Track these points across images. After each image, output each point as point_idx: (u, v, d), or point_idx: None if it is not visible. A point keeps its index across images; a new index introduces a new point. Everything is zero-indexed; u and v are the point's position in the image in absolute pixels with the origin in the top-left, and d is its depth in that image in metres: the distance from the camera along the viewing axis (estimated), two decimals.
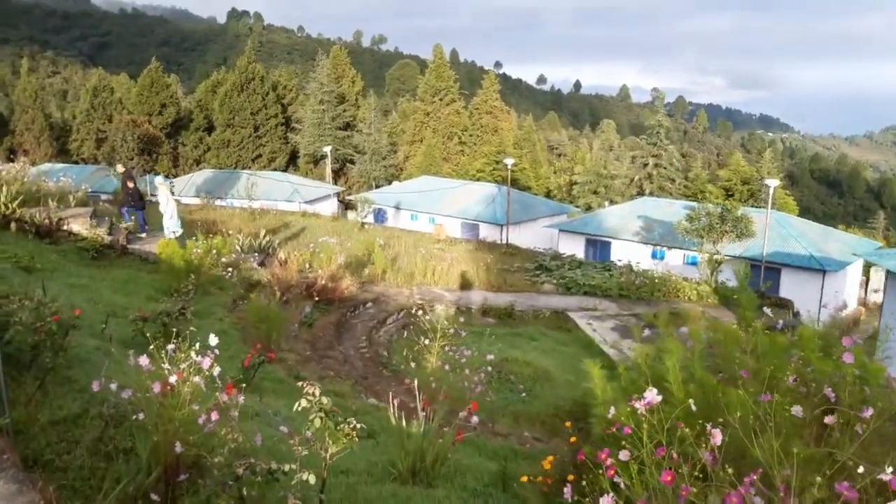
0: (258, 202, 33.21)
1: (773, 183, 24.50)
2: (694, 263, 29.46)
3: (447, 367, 9.63)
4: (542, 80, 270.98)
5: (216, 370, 4.55)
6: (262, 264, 19.45)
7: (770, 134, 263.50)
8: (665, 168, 49.26)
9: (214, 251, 15.67)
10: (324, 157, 60.79)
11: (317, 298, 17.14)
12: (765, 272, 26.41)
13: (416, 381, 7.25)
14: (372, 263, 22.82)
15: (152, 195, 25.90)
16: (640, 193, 49.29)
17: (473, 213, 39.10)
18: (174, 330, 9.73)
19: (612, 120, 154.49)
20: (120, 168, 20.37)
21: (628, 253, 30.44)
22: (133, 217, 17.79)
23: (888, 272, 15.40)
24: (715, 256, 24.25)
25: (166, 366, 4.41)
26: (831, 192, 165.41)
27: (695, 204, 34.16)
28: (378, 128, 61.00)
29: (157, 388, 4.40)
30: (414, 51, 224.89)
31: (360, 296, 19.54)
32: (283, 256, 19.96)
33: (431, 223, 39.38)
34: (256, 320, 12.45)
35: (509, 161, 33.74)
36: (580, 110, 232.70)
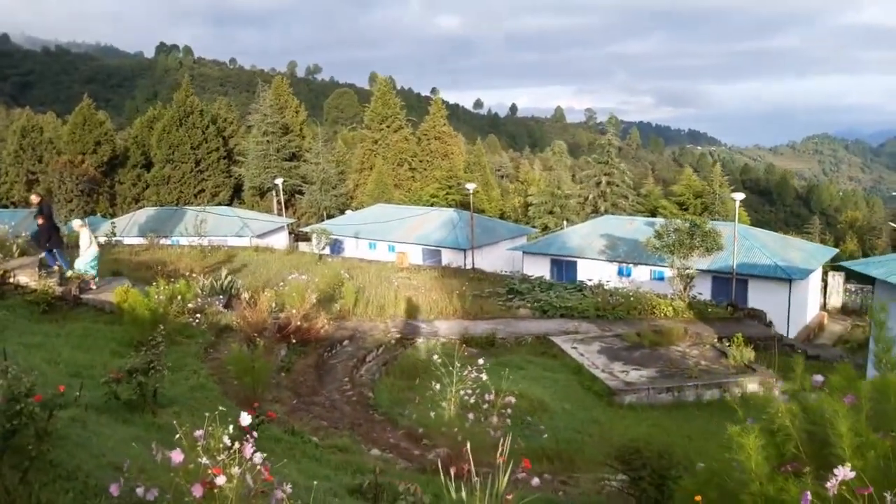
0: (207, 239, 31.63)
1: (739, 196, 24.73)
2: (661, 279, 29.45)
3: (470, 415, 8.72)
4: (478, 104, 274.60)
5: (258, 457, 3.67)
6: (227, 306, 18.19)
7: (699, 148, 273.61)
8: (618, 185, 49.85)
9: (179, 296, 14.40)
10: (270, 189, 59.12)
11: (294, 340, 16.00)
12: (732, 284, 26.55)
13: (465, 441, 6.34)
14: (341, 298, 21.74)
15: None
16: (595, 212, 49.72)
17: (434, 238, 38.41)
18: (154, 389, 8.62)
19: (546, 140, 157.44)
20: (34, 199, 17.10)
21: (594, 271, 30.22)
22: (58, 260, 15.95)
23: (876, 280, 15.37)
24: (687, 271, 24.17)
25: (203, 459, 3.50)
26: (762, 200, 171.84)
27: (655, 220, 34.40)
28: (325, 157, 59.85)
29: (197, 491, 3.43)
30: (349, 80, 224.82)
31: (335, 334, 18.45)
32: (247, 297, 18.68)
33: (391, 251, 38.46)
34: (239, 371, 11.30)
35: (470, 186, 33.28)
36: (518, 132, 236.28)
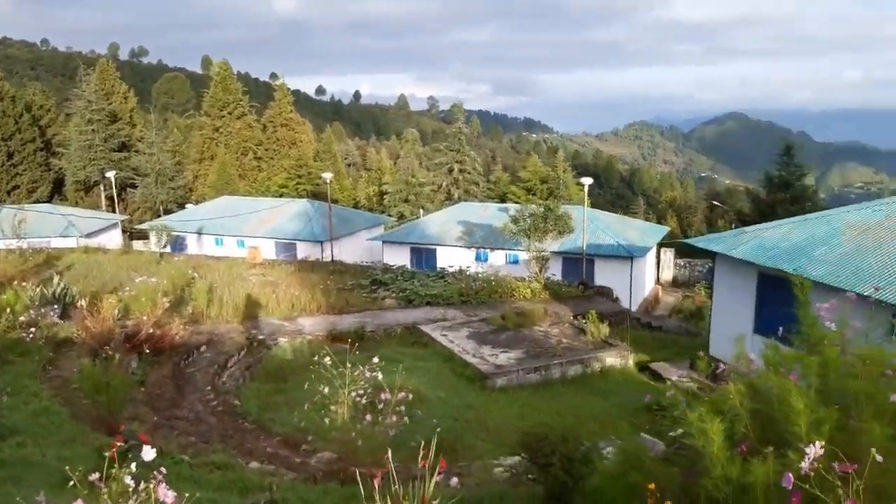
0: (26, 241, 28.19)
1: (588, 181, 26.19)
2: (516, 262, 30.53)
3: (367, 416, 8.33)
4: (321, 90, 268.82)
5: (170, 496, 3.30)
6: (63, 316, 16.22)
7: (534, 135, 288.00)
8: (469, 173, 50.99)
9: (8, 309, 12.57)
10: (97, 183, 53.86)
11: (146, 350, 14.57)
12: (581, 264, 28.11)
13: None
14: (192, 300, 20.25)
15: None
16: (449, 199, 50.56)
17: (288, 231, 36.96)
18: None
19: (391, 127, 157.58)
20: None
21: (454, 258, 30.69)
22: None
23: (717, 254, 16.86)
24: (542, 254, 25.18)
25: None
26: (593, 184, 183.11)
27: (508, 205, 35.56)
28: (160, 147, 55.44)
29: None
30: (179, 63, 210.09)
31: (190, 340, 17.09)
32: (86, 304, 16.79)
33: (241, 247, 36.52)
34: (91, 390, 10.05)
35: (327, 175, 32.34)
36: (363, 120, 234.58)
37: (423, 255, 32.53)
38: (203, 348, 17.19)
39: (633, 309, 27.74)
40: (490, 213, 33.29)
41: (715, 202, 55.24)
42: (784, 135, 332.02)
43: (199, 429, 12.24)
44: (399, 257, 32.16)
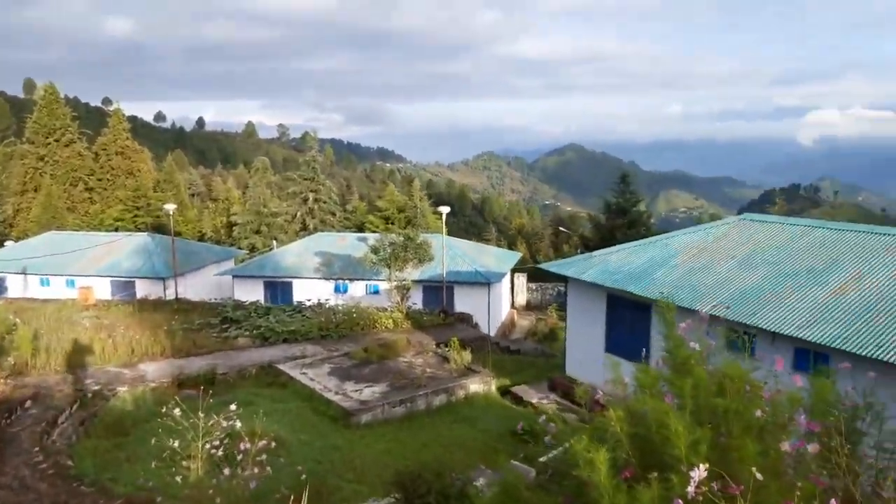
0: None
1: (445, 210, 26.56)
2: (377, 292, 30.23)
3: (227, 469, 7.62)
4: (160, 117, 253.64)
5: None
6: None
7: (388, 165, 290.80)
8: (325, 202, 49.92)
9: None
10: None
11: None
12: (442, 291, 28.39)
13: None
14: (14, 349, 17.97)
15: None
16: (304, 229, 49.19)
17: (125, 268, 34.02)
18: None
19: (239, 155, 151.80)
20: None
21: (312, 291, 29.80)
22: None
23: (569, 279, 17.64)
24: (403, 283, 25.13)
25: None
26: (448, 212, 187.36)
27: (367, 235, 35.25)
28: None
29: None
30: None
31: (13, 395, 15.08)
32: None
33: (70, 287, 33.12)
34: None
35: (170, 206, 30.23)
36: (207, 148, 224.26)
37: (279, 289, 31.28)
38: (28, 404, 15.22)
39: (492, 333, 28.39)
40: (348, 243, 32.78)
41: (561, 228, 58.45)
42: (617, 164, 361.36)
43: (25, 498, 10.76)
44: (252, 292, 30.69)
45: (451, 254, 30.19)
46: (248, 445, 7.59)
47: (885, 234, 13.67)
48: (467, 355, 19.39)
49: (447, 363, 19.61)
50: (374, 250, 25.34)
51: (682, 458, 3.45)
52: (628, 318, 16.11)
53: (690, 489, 3.05)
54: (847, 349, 11.05)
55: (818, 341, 11.50)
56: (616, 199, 37.22)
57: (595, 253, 17.74)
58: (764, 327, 12.32)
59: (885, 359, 10.41)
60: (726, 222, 16.91)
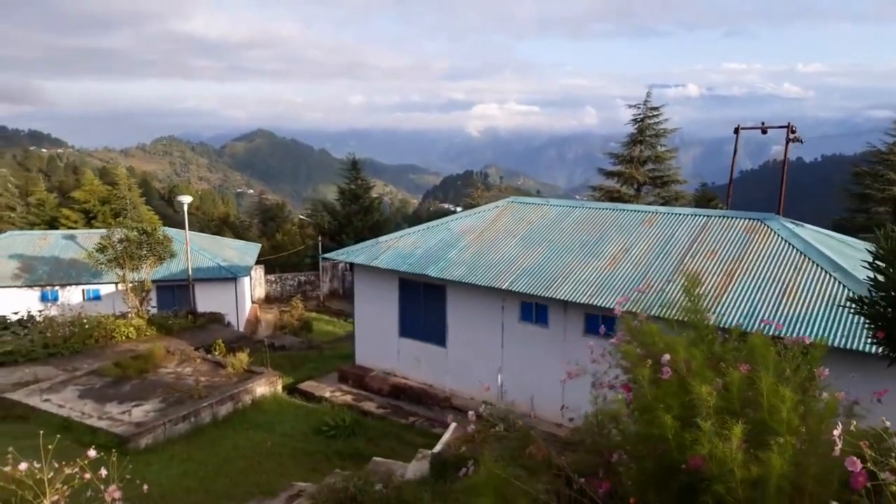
0: None
1: (187, 199, 23.73)
2: (97, 297, 26.16)
3: None
4: None
5: None
6: None
7: (44, 150, 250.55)
8: (1, 195, 40.28)
9: None
10: None
11: None
12: (188, 291, 25.68)
13: None
14: None
15: None
16: None
17: None
18: None
19: None
20: None
21: (11, 302, 24.52)
22: None
23: (355, 266, 17.36)
24: (142, 284, 22.16)
25: None
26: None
27: (75, 232, 30.02)
28: None
29: None
30: None
31: None
32: None
33: None
34: None
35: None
36: None
37: None
38: None
39: (241, 330, 26.64)
40: (52, 243, 27.42)
41: (302, 217, 56.75)
42: (308, 152, 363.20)
43: None
44: None
45: (195, 249, 27.41)
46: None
47: (633, 211, 16.21)
48: (244, 357, 17.95)
49: (221, 368, 17.92)
50: (102, 248, 21.82)
51: (789, 423, 3.59)
52: (422, 301, 16.53)
53: (837, 449, 3.17)
54: (631, 310, 12.87)
55: (609, 306, 13.18)
56: (348, 185, 37.42)
57: (381, 239, 17.75)
58: (562, 298, 13.70)
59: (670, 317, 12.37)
60: (496, 206, 18.29)
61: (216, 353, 19.08)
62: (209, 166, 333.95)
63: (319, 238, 35.71)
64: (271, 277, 35.61)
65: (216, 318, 23.89)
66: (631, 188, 38.23)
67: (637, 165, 37.73)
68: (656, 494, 3.51)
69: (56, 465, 5.31)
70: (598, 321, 13.94)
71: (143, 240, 21.94)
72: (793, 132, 29.53)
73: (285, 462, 13.97)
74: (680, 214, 15.35)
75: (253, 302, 34.08)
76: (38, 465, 4.97)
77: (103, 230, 25.45)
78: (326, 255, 18.29)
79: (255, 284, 35.07)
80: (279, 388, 17.66)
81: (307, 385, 18.18)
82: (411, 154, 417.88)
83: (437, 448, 8.34)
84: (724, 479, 3.02)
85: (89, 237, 27.45)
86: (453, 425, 9.30)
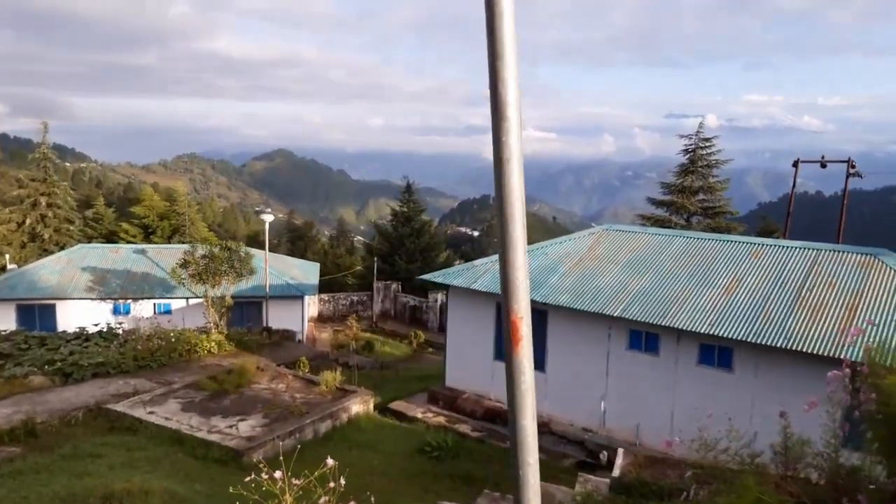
0: None
1: (269, 218, 24.13)
2: (168, 311, 26.49)
3: None
4: None
5: None
6: None
7: (68, 164, 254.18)
8: (60, 207, 40.94)
9: None
10: None
11: None
12: (251, 307, 25.97)
13: None
14: None
15: None
16: (34, 240, 39.88)
17: None
18: None
19: None
20: None
21: (81, 314, 24.87)
22: None
23: (450, 287, 17.55)
24: (223, 300, 22.48)
25: None
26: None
27: (146, 247, 30.48)
28: None
29: None
30: None
31: None
32: None
33: None
34: None
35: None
36: None
37: (37, 313, 25.22)
38: None
39: (316, 349, 26.82)
40: (124, 256, 27.84)
41: (351, 236, 57.08)
42: (326, 172, 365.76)
43: None
44: (1, 318, 24.42)
45: (261, 266, 27.75)
46: None
47: (739, 242, 16.33)
48: (337, 375, 18.11)
49: (314, 386, 18.07)
50: (185, 264, 22.19)
51: None
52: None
53: None
54: (753, 341, 12.93)
55: (730, 336, 13.25)
56: (401, 207, 37.79)
57: (476, 262, 17.96)
58: (678, 326, 13.78)
59: (796, 348, 12.43)
60: (591, 232, 18.46)
61: (300, 370, 19.28)
62: (228, 184, 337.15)
63: (375, 259, 35.91)
64: (324, 297, 35.86)
65: (289, 336, 24.12)
66: (681, 218, 38.34)
67: (689, 195, 37.88)
68: None
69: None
70: (713, 352, 13.98)
71: (226, 256, 22.30)
72: (853, 167, 29.68)
73: (398, 482, 14.04)
74: (788, 247, 15.44)
75: (309, 320, 34.29)
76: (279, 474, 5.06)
77: (175, 245, 25.84)
78: (422, 277, 18.45)
79: (309, 303, 35.31)
80: (371, 406, 17.77)
81: (397, 405, 18.27)
82: (429, 177, 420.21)
83: (616, 473, 8.44)
84: None
85: (159, 252, 27.87)
86: (621, 451, 9.39)
